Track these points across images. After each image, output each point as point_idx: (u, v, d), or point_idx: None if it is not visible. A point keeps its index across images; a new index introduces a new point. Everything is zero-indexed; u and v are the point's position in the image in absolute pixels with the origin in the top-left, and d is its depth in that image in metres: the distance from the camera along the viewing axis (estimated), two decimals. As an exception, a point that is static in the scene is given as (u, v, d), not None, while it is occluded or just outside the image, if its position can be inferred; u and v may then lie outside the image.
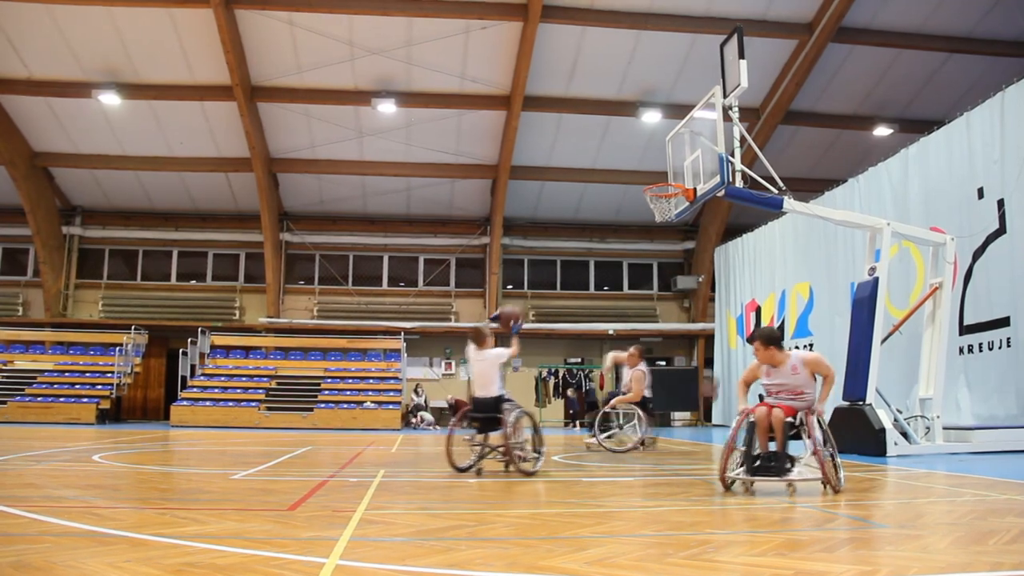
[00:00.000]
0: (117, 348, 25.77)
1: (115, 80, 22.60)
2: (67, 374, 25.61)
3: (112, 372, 25.22)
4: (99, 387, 24.87)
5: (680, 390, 27.23)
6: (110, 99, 22.91)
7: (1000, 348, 13.87)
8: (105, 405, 24.33)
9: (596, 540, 4.52)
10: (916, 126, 21.03)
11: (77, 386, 24.93)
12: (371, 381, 26.21)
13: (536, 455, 8.76)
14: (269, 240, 27.14)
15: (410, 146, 25.41)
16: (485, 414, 8.68)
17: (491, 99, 23.77)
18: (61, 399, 24.16)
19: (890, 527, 5.11)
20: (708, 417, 27.45)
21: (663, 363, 29.46)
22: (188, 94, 23.33)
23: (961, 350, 14.57)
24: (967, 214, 14.59)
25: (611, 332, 28.25)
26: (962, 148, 15.07)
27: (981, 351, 14.30)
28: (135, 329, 26.45)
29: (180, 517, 5.24)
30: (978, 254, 14.34)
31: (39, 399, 24.15)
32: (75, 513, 5.32)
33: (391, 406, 24.84)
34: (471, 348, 8.88)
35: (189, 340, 26.29)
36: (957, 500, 6.40)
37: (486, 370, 8.84)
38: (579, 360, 29.02)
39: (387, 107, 23.30)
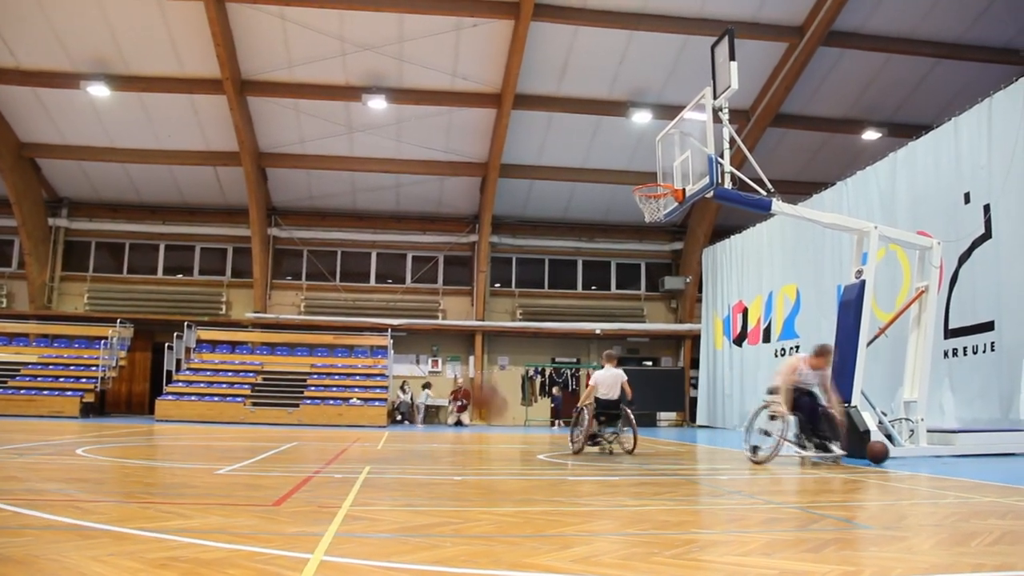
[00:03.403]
0: (102, 341, 25.63)
1: (104, 72, 22.44)
2: (51, 367, 25.44)
3: (97, 365, 25.09)
4: (83, 380, 24.73)
5: (666, 391, 27.33)
6: (99, 90, 22.75)
7: (984, 352, 13.96)
8: (89, 399, 24.20)
9: (581, 538, 4.53)
10: (905, 130, 21.12)
11: (61, 379, 24.77)
12: (358, 378, 26.15)
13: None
14: (257, 235, 27.05)
15: (400, 143, 25.37)
16: (611, 411, 12.06)
17: (482, 97, 23.74)
18: (44, 392, 23.99)
19: (874, 528, 5.13)
20: (693, 418, 27.53)
21: (649, 363, 29.54)
22: (177, 87, 23.21)
23: (946, 354, 14.65)
24: (954, 218, 14.68)
25: (598, 332, 28.28)
26: (950, 153, 15.16)
27: (965, 355, 14.39)
28: (120, 322, 26.33)
29: (164, 511, 5.21)
30: (964, 258, 14.43)
31: (22, 392, 23.95)
32: (57, 507, 5.29)
33: (377, 403, 24.79)
34: (606, 366, 12.33)
35: (175, 334, 26.17)
36: (940, 502, 6.44)
37: (614, 381, 12.07)
38: (575, 360, 29.01)
39: (377, 103, 23.26)
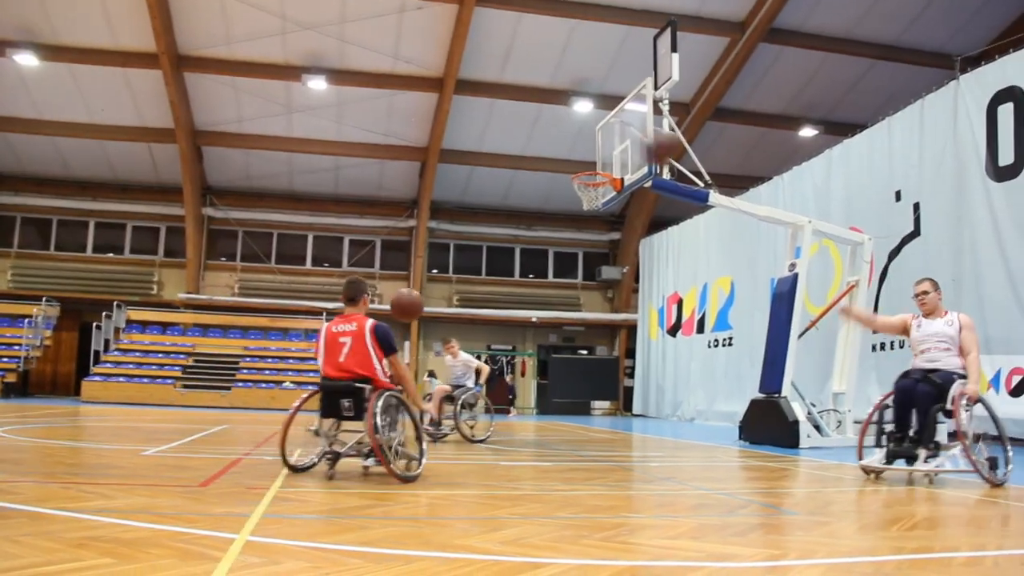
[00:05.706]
0: (26, 320, 24.83)
1: (32, 40, 21.66)
2: (-29, 345, 24.60)
3: (20, 344, 24.30)
4: (5, 360, 23.93)
5: (601, 379, 27.53)
6: (27, 59, 21.95)
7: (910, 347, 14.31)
8: (11, 379, 23.40)
9: (512, 521, 4.52)
10: (840, 129, 21.51)
11: (-19, 358, 23.97)
12: (291, 361, 25.84)
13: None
14: (191, 214, 26.47)
15: (340, 125, 25.04)
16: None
17: (423, 81, 23.55)
18: (-36, 371, 23.21)
19: (800, 514, 5.23)
20: (629, 407, 27.80)
21: (584, 352, 29.73)
22: (110, 59, 22.49)
23: (873, 347, 15.02)
24: (885, 216, 15.03)
25: (534, 319, 28.37)
26: (883, 152, 15.51)
27: (892, 349, 14.77)
28: (46, 300, 25.53)
29: (86, 492, 5.07)
30: (893, 255, 14.78)
31: (-60, 370, 23.14)
32: (-28, 485, 5.10)
33: (311, 387, 24.46)
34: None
35: (104, 314, 25.50)
36: (864, 490, 6.59)
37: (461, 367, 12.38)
38: (511, 347, 29.03)
39: (318, 84, 22.91)
